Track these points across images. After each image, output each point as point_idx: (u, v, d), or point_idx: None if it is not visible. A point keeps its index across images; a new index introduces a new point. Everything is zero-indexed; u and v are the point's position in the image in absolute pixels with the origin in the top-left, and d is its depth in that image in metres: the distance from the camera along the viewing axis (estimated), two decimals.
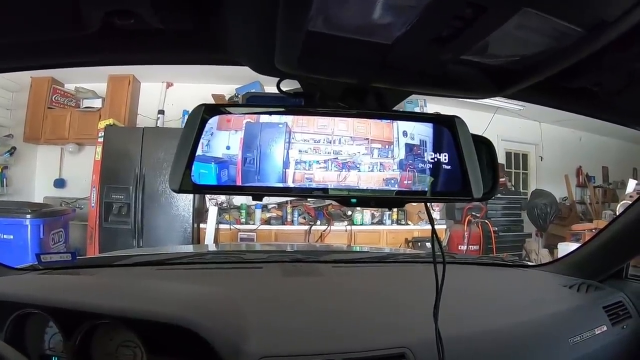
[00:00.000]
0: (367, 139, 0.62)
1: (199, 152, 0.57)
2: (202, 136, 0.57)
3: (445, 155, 0.64)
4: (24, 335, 1.31)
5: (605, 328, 1.60)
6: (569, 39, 0.57)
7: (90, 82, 7.02)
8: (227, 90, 6.82)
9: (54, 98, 6.91)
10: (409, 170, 0.62)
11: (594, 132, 9.18)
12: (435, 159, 0.64)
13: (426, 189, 0.63)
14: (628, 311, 1.73)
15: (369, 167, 0.61)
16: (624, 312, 1.72)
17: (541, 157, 9.46)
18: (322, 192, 0.60)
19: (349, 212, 7.15)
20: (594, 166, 9.92)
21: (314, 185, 0.60)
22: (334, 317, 1.38)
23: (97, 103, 6.92)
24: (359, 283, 1.80)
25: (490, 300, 1.64)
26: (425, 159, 0.63)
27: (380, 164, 0.61)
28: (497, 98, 6.85)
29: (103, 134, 6.05)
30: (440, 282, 0.91)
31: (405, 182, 0.62)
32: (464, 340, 1.30)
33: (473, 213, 7.31)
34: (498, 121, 7.74)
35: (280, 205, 7.07)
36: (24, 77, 6.79)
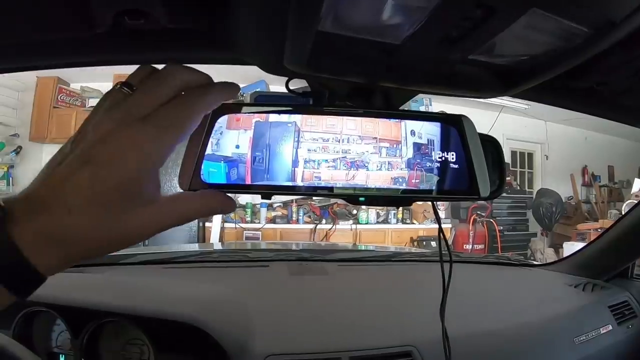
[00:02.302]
0: (375, 138, 0.62)
1: (208, 150, 0.57)
2: (212, 135, 0.57)
3: (452, 154, 0.64)
4: (32, 333, 1.32)
5: (610, 327, 1.60)
6: (576, 39, 0.57)
7: (96, 81, 7.07)
8: None
9: (60, 97, 6.95)
10: (416, 169, 0.62)
11: (600, 131, 9.17)
12: (443, 158, 0.64)
13: (434, 188, 0.64)
14: (634, 311, 1.74)
15: (377, 166, 0.61)
16: (630, 311, 1.72)
17: (547, 156, 9.46)
18: (331, 191, 0.61)
19: (354, 211, 7.16)
20: (600, 165, 9.91)
21: (322, 184, 0.60)
22: (340, 315, 1.39)
23: None
24: (364, 282, 1.80)
25: (495, 299, 1.64)
26: (433, 158, 0.63)
27: (389, 163, 0.62)
28: (502, 97, 6.86)
29: None
30: (447, 281, 0.91)
31: (413, 180, 0.62)
32: (469, 339, 1.30)
33: (478, 212, 7.32)
34: (503, 120, 7.74)
35: (285, 204, 7.09)
36: (30, 77, 6.83)
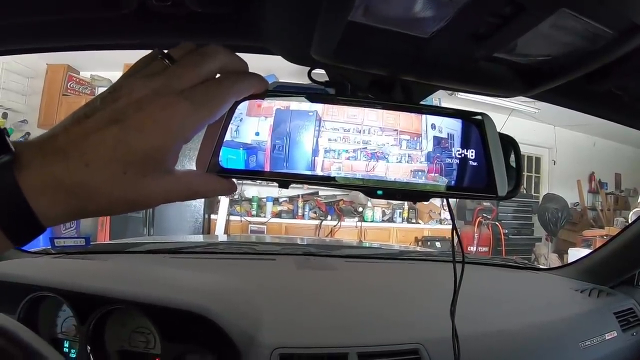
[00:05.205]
0: (396, 130, 0.61)
1: (227, 137, 0.57)
2: (231, 121, 0.57)
3: (472, 152, 0.64)
4: (37, 318, 1.32)
5: (615, 334, 1.60)
6: (600, 40, 0.57)
7: (105, 70, 7.07)
8: None
9: (70, 85, 6.97)
10: (436, 164, 0.62)
11: (609, 138, 9.14)
12: (462, 155, 0.63)
13: (452, 184, 0.63)
14: (639, 318, 1.74)
15: (397, 158, 0.61)
16: (635, 319, 1.72)
17: (554, 161, 9.43)
18: (349, 182, 0.60)
19: (360, 209, 7.16)
20: (607, 172, 9.87)
21: (342, 174, 0.60)
22: (348, 311, 1.39)
23: None
24: (372, 278, 1.81)
25: (502, 301, 1.64)
26: (452, 154, 0.63)
27: (409, 156, 0.61)
28: (513, 100, 6.84)
29: None
30: (458, 280, 0.91)
31: (432, 174, 0.62)
32: (476, 340, 1.30)
33: (484, 214, 7.31)
34: (512, 123, 7.69)
35: (291, 199, 7.10)
36: (40, 64, 6.85)
